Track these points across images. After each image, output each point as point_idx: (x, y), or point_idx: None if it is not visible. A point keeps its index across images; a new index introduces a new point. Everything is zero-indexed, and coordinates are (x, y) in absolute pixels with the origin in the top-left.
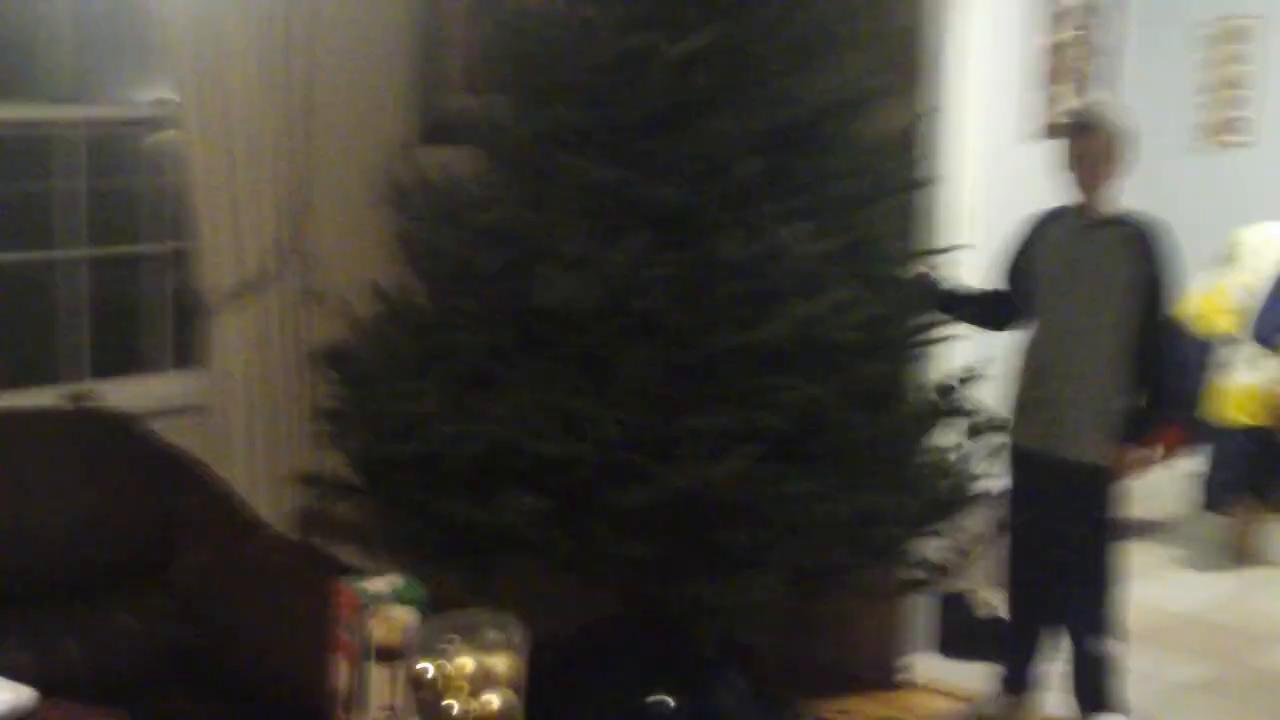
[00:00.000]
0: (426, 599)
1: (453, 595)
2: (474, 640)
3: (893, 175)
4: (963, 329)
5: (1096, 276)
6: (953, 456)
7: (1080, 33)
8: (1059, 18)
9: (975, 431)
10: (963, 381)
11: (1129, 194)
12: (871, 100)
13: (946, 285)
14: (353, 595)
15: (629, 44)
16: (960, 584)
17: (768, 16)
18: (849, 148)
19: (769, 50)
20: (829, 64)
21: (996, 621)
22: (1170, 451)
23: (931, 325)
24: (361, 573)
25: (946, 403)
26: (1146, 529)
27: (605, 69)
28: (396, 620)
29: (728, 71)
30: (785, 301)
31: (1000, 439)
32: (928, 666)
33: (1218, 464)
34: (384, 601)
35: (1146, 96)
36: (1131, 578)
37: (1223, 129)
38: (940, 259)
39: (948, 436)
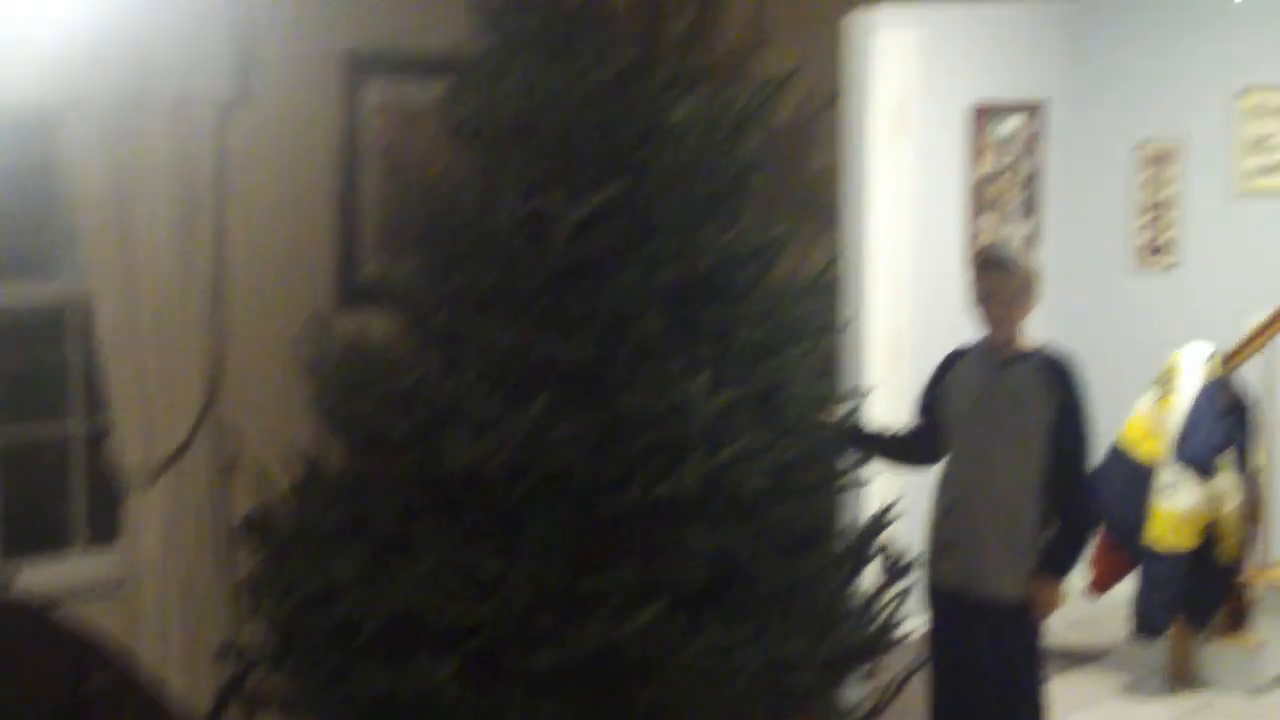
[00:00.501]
0: None
1: None
2: None
3: (803, 321)
4: (878, 468)
5: (1008, 412)
6: (871, 598)
7: (1006, 163)
8: (984, 151)
9: (893, 572)
10: (879, 522)
11: (1071, 317)
12: (777, 249)
13: (860, 425)
14: None
15: (530, 206)
16: None
17: (668, 172)
18: (755, 297)
19: (670, 205)
20: (733, 214)
21: None
22: (1113, 579)
23: (845, 467)
24: None
25: (863, 544)
26: (1084, 658)
27: (509, 231)
28: None
29: (629, 228)
30: (693, 453)
31: (918, 578)
32: None
33: (1150, 588)
34: None
35: (1086, 219)
36: (1070, 709)
37: (1153, 251)
38: (855, 400)
39: (866, 578)
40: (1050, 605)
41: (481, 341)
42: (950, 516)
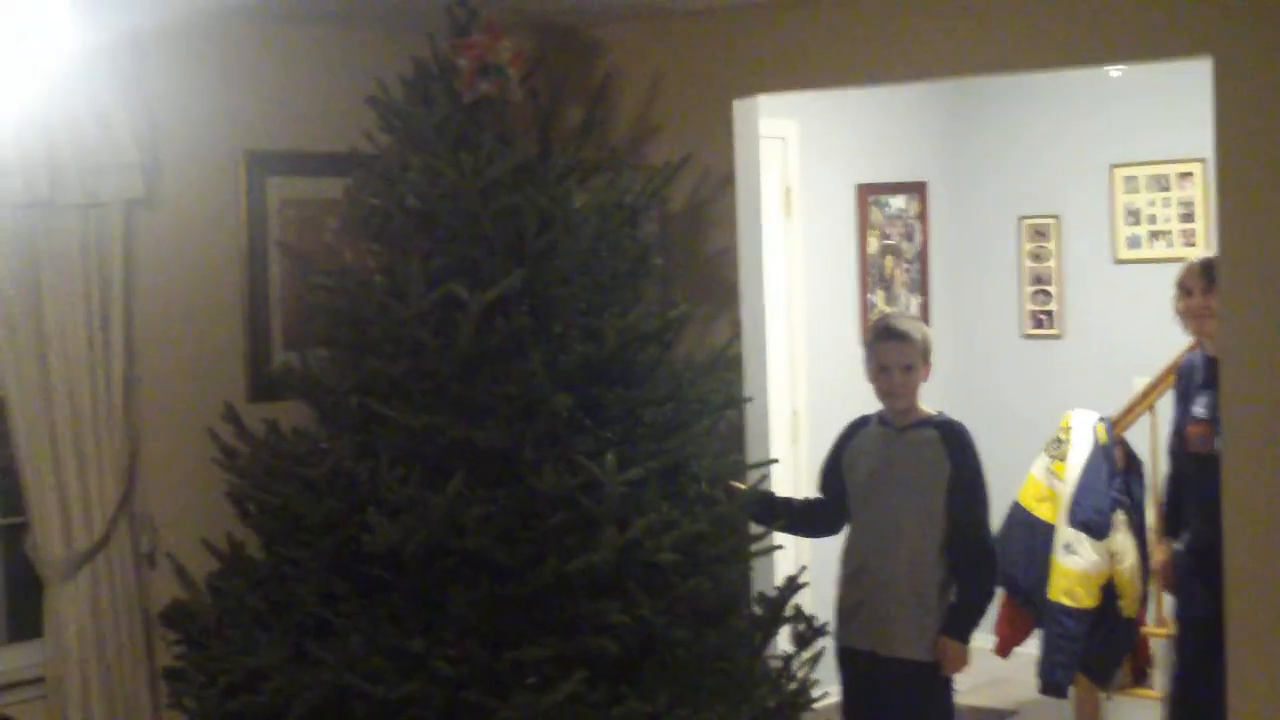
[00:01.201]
0: None
1: None
2: None
3: (706, 397)
4: (781, 539)
5: (908, 477)
6: (785, 663)
7: (894, 240)
8: (871, 230)
9: (802, 638)
10: (789, 589)
11: (963, 386)
12: (678, 328)
13: (766, 497)
14: None
15: (437, 295)
16: None
17: (569, 258)
18: (659, 375)
19: (572, 290)
20: (635, 296)
21: None
22: (1017, 639)
23: (751, 538)
24: None
25: (772, 612)
26: (994, 716)
27: (417, 320)
28: None
29: (533, 314)
30: (605, 529)
31: (826, 643)
32: None
33: (1052, 647)
34: None
35: (973, 292)
36: None
37: (1034, 321)
38: (759, 472)
39: (776, 645)
40: (957, 664)
41: (395, 427)
42: (857, 581)
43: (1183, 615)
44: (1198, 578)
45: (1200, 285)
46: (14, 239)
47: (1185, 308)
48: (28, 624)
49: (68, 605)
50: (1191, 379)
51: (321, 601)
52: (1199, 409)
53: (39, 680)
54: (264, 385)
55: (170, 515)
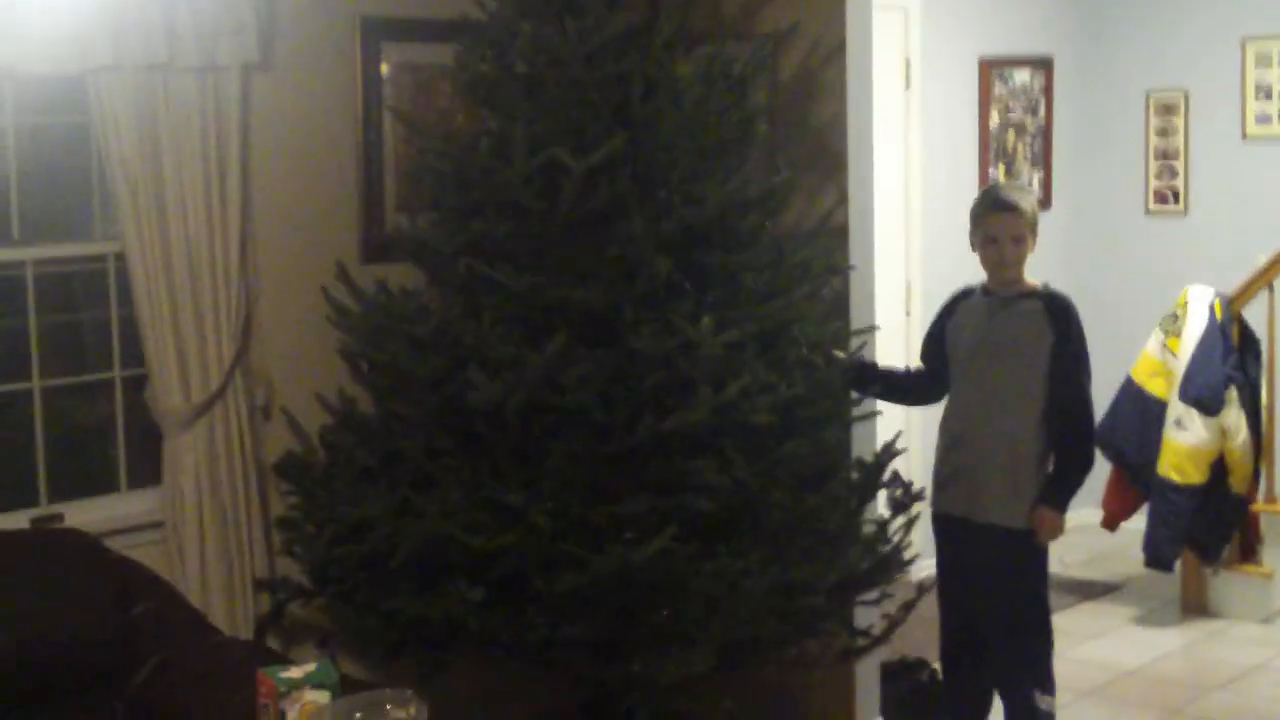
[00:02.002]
0: (338, 683)
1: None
2: (378, 715)
3: (808, 264)
4: (880, 405)
5: (1008, 350)
6: (880, 527)
7: (1011, 115)
8: (993, 104)
9: (898, 503)
10: (886, 454)
11: (1087, 259)
12: (781, 196)
13: (866, 363)
14: (271, 683)
15: (542, 160)
16: (899, 651)
17: (672, 125)
18: (759, 242)
19: (675, 157)
20: (737, 164)
21: (937, 686)
22: (1124, 515)
23: (848, 404)
24: (285, 663)
25: (869, 477)
26: (1100, 590)
27: (522, 184)
28: (309, 703)
29: (634, 179)
30: (700, 390)
31: (922, 508)
32: None
33: (1160, 522)
34: (299, 686)
35: (1096, 168)
36: (1086, 638)
37: (1162, 197)
38: (861, 339)
39: (872, 509)
40: (1053, 533)
41: (499, 287)
42: (955, 449)
43: None
44: None
45: None
46: (134, 101)
47: None
48: (147, 472)
49: (185, 454)
50: None
51: (426, 455)
52: None
53: (158, 525)
54: (377, 246)
55: (284, 370)
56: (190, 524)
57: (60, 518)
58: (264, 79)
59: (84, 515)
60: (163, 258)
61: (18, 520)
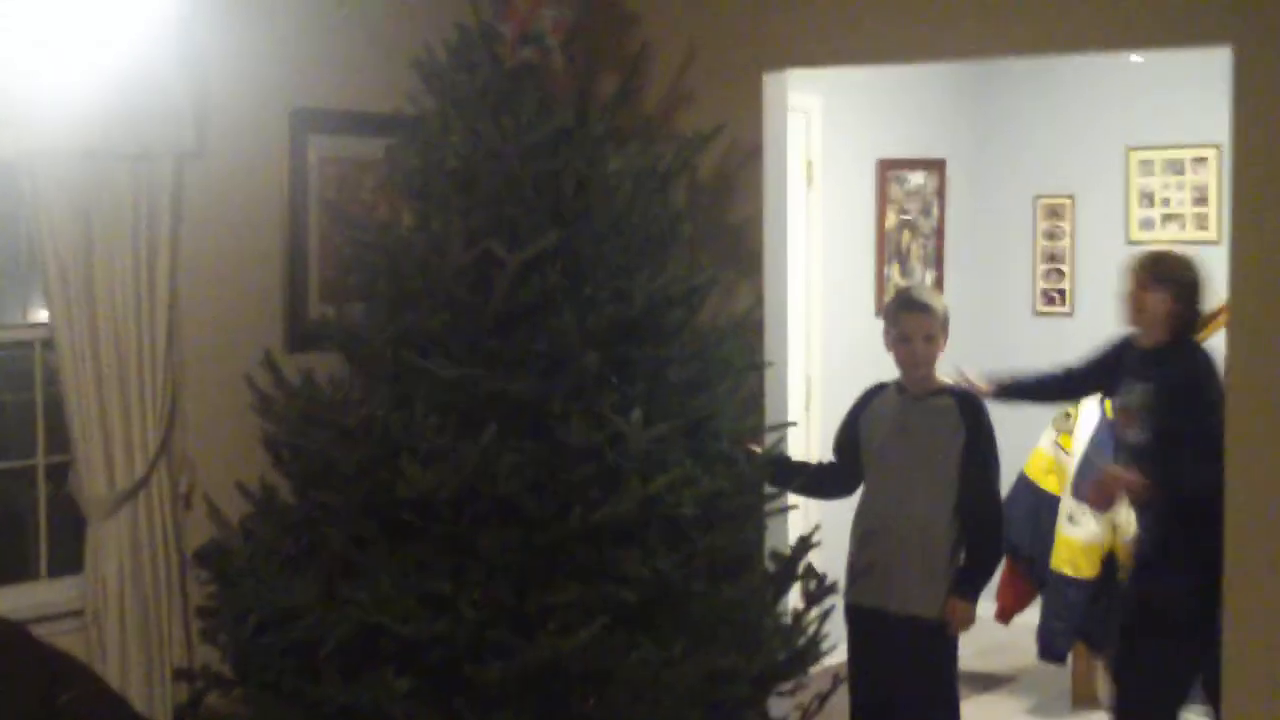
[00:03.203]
0: None
1: None
2: None
3: (729, 359)
4: (795, 499)
5: (924, 443)
6: (796, 618)
7: (905, 217)
8: (888, 203)
9: (812, 595)
10: (803, 547)
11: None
12: (704, 292)
13: (783, 458)
14: None
15: (475, 253)
16: None
17: (603, 221)
18: (684, 337)
19: (605, 252)
20: (664, 260)
21: None
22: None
23: (766, 498)
24: None
25: (785, 569)
26: (994, 681)
27: (455, 277)
28: None
29: (566, 273)
30: (628, 482)
31: (835, 600)
32: None
33: (1053, 615)
34: None
35: (988, 268)
36: None
37: (1046, 299)
38: (774, 435)
39: (788, 602)
40: (965, 624)
41: (430, 378)
42: (869, 542)
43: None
44: None
45: (1140, 277)
46: (67, 187)
47: (1126, 294)
48: (68, 559)
49: (109, 542)
50: (1122, 359)
51: (352, 545)
52: (1122, 397)
53: (78, 613)
54: (301, 336)
55: (207, 458)
56: (112, 612)
57: None
58: (196, 167)
59: (4, 602)
60: (91, 343)
61: None
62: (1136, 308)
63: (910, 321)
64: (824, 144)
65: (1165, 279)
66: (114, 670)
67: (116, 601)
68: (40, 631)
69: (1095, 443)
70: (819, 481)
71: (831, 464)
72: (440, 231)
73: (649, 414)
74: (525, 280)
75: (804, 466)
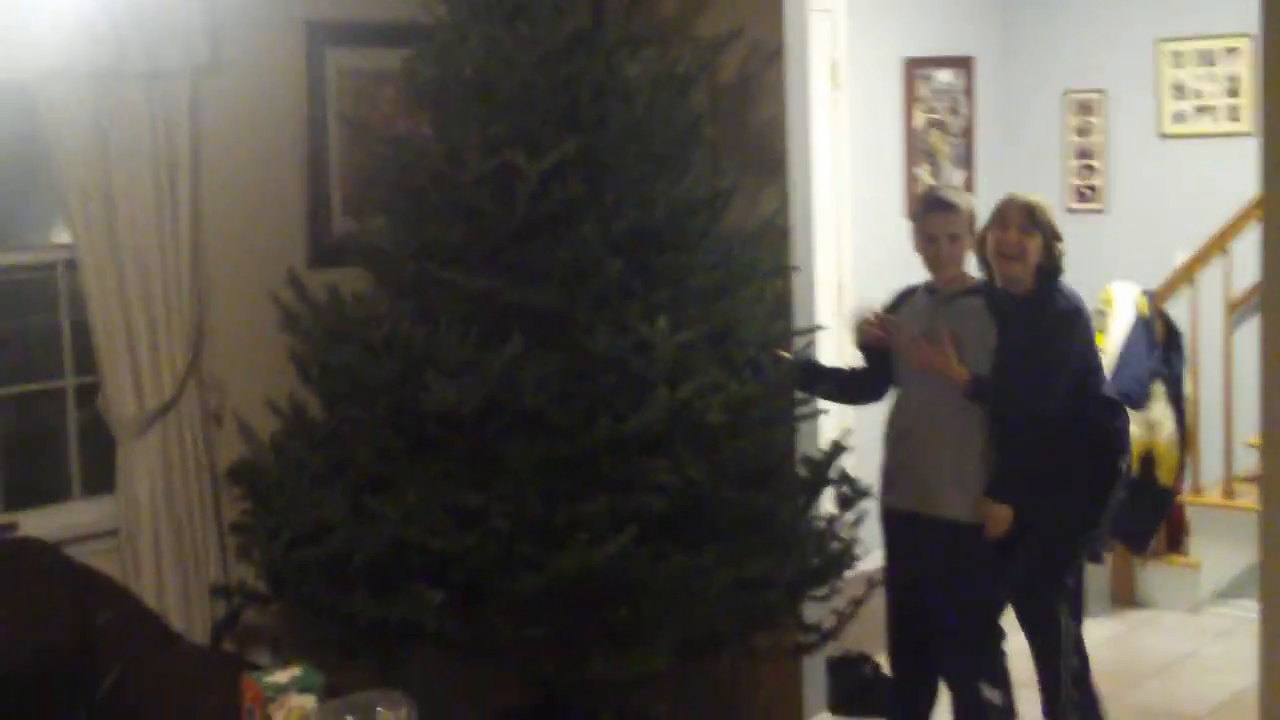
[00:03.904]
0: (324, 686)
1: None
2: (368, 718)
3: (754, 265)
4: (826, 405)
5: (952, 345)
6: (829, 523)
7: (934, 116)
8: (915, 103)
9: (846, 500)
10: (831, 453)
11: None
12: (727, 198)
13: (812, 363)
14: (257, 688)
15: (494, 163)
16: (846, 646)
17: (622, 128)
18: (707, 243)
19: (625, 159)
20: (684, 167)
21: (882, 679)
22: None
23: (796, 403)
24: (265, 668)
25: (817, 474)
26: None
27: (473, 188)
28: (296, 707)
29: (587, 182)
30: (655, 390)
31: (869, 504)
32: None
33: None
34: (285, 691)
35: (1018, 167)
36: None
37: (1079, 195)
38: (802, 339)
39: (821, 505)
40: (1000, 525)
41: (452, 290)
42: (901, 445)
43: None
44: None
45: (1019, 221)
46: (85, 108)
47: (997, 240)
48: (101, 480)
49: (139, 462)
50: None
51: (379, 459)
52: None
53: (112, 533)
54: (324, 251)
55: (236, 376)
56: (145, 531)
57: (14, 527)
58: (211, 83)
59: (37, 524)
60: (114, 264)
61: None
62: (1011, 254)
63: (935, 221)
64: (849, 44)
65: (1042, 224)
66: (149, 589)
67: (150, 521)
68: (74, 552)
69: (1131, 341)
70: (849, 386)
71: (863, 369)
72: (457, 142)
73: (674, 322)
74: (546, 190)
75: (834, 372)
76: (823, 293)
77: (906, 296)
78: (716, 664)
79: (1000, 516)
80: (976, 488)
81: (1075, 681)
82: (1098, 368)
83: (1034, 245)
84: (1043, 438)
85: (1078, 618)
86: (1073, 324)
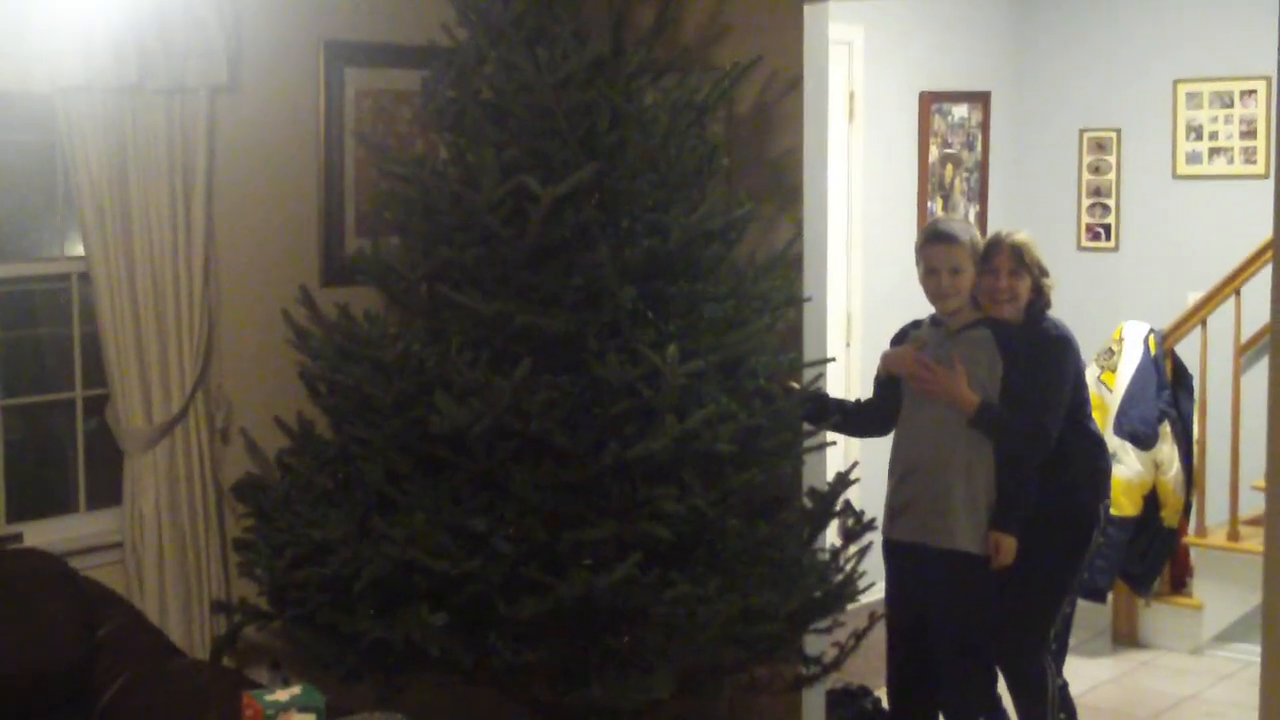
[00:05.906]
0: (324, 706)
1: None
2: None
3: (766, 295)
4: (833, 436)
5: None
6: (833, 555)
7: (948, 150)
8: (930, 136)
9: (850, 532)
10: (837, 485)
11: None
12: (741, 227)
13: (818, 396)
14: (257, 705)
15: (509, 187)
16: (847, 679)
17: (638, 155)
18: (720, 272)
19: (640, 186)
20: (700, 195)
21: (882, 713)
22: None
23: (804, 434)
24: (266, 687)
25: (822, 506)
26: None
27: (489, 211)
28: None
29: (601, 208)
30: (664, 418)
31: (872, 537)
32: None
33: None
34: (285, 709)
35: (1031, 203)
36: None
37: (1091, 234)
38: (813, 371)
39: (825, 539)
40: (1008, 557)
41: (465, 313)
42: (908, 480)
43: None
44: None
45: (1008, 266)
46: (103, 122)
47: (988, 287)
48: (106, 493)
49: (146, 475)
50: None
51: (387, 480)
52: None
53: (116, 546)
54: (337, 270)
55: (244, 393)
56: (150, 545)
57: (19, 537)
58: (230, 101)
59: (43, 535)
60: (128, 277)
61: None
62: (1000, 299)
63: (935, 253)
64: (866, 76)
65: (1029, 265)
66: (152, 603)
67: (154, 534)
68: (78, 564)
69: (1139, 380)
70: (857, 420)
71: (869, 402)
72: (474, 165)
73: (685, 350)
74: (560, 215)
75: (841, 404)
76: (831, 324)
77: (911, 329)
78: (717, 694)
79: (1007, 547)
80: (986, 519)
81: None
82: (1086, 400)
83: (1024, 287)
84: (1041, 474)
85: (1059, 666)
86: (1064, 351)
